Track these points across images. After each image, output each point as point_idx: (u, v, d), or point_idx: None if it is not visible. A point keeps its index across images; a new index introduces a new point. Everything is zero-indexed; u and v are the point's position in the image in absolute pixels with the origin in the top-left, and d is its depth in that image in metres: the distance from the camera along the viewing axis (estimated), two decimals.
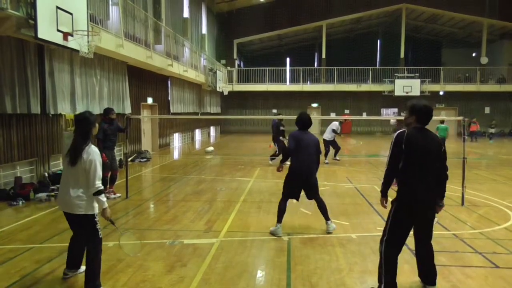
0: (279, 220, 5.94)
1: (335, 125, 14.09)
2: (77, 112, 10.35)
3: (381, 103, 30.92)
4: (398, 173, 3.91)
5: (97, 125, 4.19)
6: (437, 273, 4.12)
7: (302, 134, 5.96)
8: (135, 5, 13.90)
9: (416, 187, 3.82)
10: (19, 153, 8.82)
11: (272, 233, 5.93)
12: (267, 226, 6.35)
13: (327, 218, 6.07)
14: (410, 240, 5.61)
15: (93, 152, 3.95)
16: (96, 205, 3.99)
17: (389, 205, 4.09)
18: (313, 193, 6.08)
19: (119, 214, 7.15)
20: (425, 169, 3.83)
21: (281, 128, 13.04)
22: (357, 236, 5.92)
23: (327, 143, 13.90)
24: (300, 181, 5.95)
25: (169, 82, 18.92)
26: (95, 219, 4.03)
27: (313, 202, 6.16)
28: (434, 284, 4.09)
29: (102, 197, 3.94)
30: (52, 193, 8.24)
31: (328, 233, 6.00)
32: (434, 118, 4.20)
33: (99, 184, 3.90)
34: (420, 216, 3.95)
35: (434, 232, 4.22)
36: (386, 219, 4.04)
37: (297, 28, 31.91)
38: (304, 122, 5.99)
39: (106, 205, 3.99)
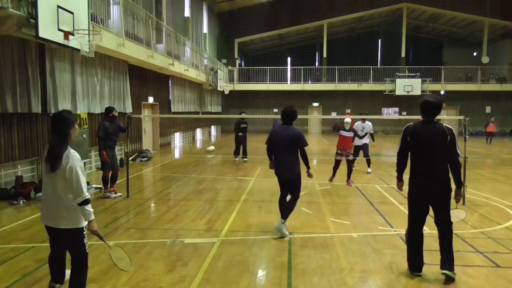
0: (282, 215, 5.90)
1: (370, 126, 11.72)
2: (79, 111, 10.37)
3: (382, 103, 30.90)
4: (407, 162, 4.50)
5: (76, 126, 3.69)
6: (454, 260, 4.29)
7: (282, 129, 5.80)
8: (136, 4, 13.89)
9: (423, 174, 4.29)
10: (20, 153, 8.83)
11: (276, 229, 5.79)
12: (268, 225, 6.35)
13: (284, 216, 5.82)
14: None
15: (73, 158, 3.47)
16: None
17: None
18: (293, 188, 5.92)
19: (120, 213, 7.16)
20: (430, 157, 4.26)
21: (243, 125, 14.13)
22: (358, 235, 5.92)
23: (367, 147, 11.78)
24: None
25: (170, 81, 18.92)
26: (84, 232, 3.62)
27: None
28: (452, 269, 4.25)
29: (89, 207, 3.48)
30: None
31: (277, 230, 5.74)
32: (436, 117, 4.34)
33: (85, 193, 3.44)
34: (432, 201, 4.32)
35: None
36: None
37: (298, 27, 31.90)
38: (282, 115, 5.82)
39: (92, 216, 3.52)
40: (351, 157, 9.76)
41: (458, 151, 4.26)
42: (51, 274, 4.02)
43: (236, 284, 4.27)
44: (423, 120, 4.38)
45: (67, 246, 3.76)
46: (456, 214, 4.53)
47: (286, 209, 5.84)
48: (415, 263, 4.43)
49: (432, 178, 4.25)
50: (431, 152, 4.24)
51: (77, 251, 3.65)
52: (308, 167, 5.87)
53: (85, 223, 3.61)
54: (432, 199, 4.31)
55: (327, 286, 4.23)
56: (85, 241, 3.65)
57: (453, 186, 4.31)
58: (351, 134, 9.61)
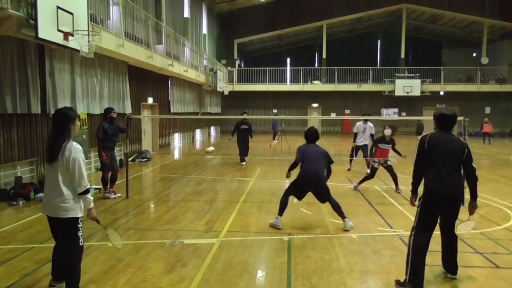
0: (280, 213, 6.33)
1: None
2: (78, 112, 10.37)
3: (382, 103, 30.91)
4: (424, 172, 4.29)
5: (77, 122, 3.88)
6: (458, 265, 4.42)
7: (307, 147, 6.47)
8: (136, 5, 13.89)
9: (439, 183, 4.18)
10: (20, 153, 8.83)
11: (272, 226, 6.29)
12: (268, 226, 6.35)
13: (342, 217, 6.29)
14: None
15: (75, 149, 3.68)
16: (81, 208, 3.78)
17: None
18: (323, 198, 6.41)
19: (120, 214, 7.15)
20: (446, 166, 4.19)
21: (243, 127, 13.45)
22: (358, 236, 5.92)
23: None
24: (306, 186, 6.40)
25: (169, 82, 18.93)
26: (78, 225, 3.77)
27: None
28: (455, 273, 4.40)
29: (89, 196, 3.79)
30: None
31: (345, 230, 6.15)
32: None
33: (86, 182, 3.72)
34: (444, 209, 4.27)
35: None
36: (415, 214, 4.35)
37: (298, 28, 31.92)
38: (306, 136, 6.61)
39: (92, 204, 3.83)
40: (390, 163, 9.22)
41: (474, 165, 4.31)
42: (52, 272, 4.04)
43: (235, 285, 4.27)
44: (439, 130, 4.36)
45: (62, 236, 3.84)
46: (468, 224, 4.65)
47: (338, 210, 6.31)
48: (416, 279, 4.13)
49: (447, 185, 4.16)
50: (448, 161, 4.20)
51: (71, 242, 3.76)
52: (327, 177, 6.46)
53: (81, 214, 3.81)
54: (446, 207, 4.24)
55: (327, 286, 4.22)
56: (79, 234, 3.79)
57: (467, 197, 4.43)
58: (389, 146, 9.20)
